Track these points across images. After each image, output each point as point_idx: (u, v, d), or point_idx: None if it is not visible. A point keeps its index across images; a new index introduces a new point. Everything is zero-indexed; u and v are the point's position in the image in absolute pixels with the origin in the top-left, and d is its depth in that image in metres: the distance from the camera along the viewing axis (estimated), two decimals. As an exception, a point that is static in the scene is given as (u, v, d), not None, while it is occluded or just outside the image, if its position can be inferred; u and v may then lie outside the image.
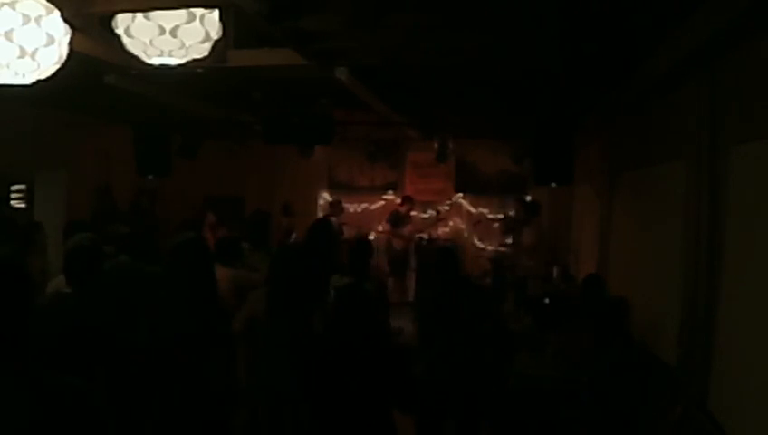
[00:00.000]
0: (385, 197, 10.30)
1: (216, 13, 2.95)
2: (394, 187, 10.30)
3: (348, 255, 4.51)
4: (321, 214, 9.98)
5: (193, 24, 2.83)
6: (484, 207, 9.89)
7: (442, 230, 9.79)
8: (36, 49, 2.36)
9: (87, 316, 2.94)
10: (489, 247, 9.51)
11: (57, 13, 2.44)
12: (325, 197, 10.54)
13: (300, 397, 3.16)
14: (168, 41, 2.85)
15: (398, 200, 9.82)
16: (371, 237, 9.60)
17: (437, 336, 4.08)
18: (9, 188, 7.30)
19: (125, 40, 2.94)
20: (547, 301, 6.02)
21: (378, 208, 10.19)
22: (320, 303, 3.59)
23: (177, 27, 2.81)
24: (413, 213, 9.45)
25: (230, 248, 4.68)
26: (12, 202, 7.32)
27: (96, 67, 4.02)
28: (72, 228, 5.24)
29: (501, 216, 9.55)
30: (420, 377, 3.96)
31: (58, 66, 2.53)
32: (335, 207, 9.38)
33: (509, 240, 8.54)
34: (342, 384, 2.84)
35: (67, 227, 5.43)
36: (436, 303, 4.19)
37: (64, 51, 2.52)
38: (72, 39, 2.58)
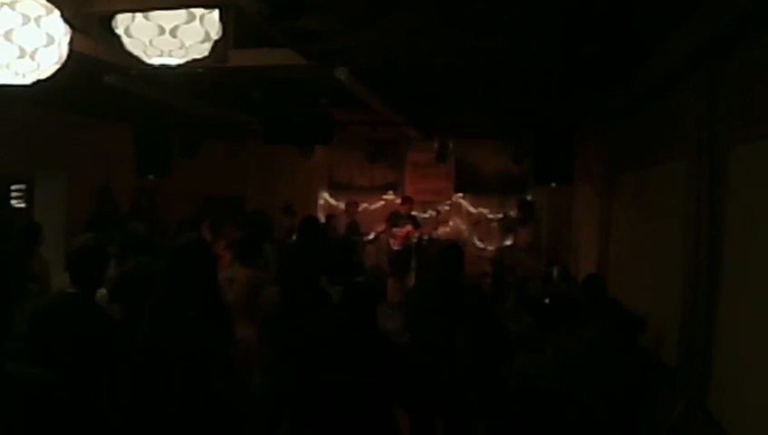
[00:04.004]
0: (385, 197, 10.30)
1: (216, 13, 2.95)
2: (394, 187, 10.30)
3: (333, 256, 4.48)
4: (321, 214, 10.01)
5: (193, 24, 2.83)
6: (484, 207, 9.89)
7: (442, 230, 9.79)
8: (36, 49, 2.36)
9: (91, 317, 2.93)
10: (489, 247, 9.51)
11: (57, 13, 2.44)
12: (325, 196, 10.55)
13: (307, 397, 3.15)
14: (168, 41, 2.85)
15: (399, 200, 9.84)
16: (371, 237, 9.63)
17: (428, 334, 4.08)
18: (9, 187, 7.30)
19: (125, 40, 2.94)
20: (547, 301, 6.02)
21: (378, 208, 10.20)
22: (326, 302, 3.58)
23: (176, 27, 2.81)
24: (413, 213, 9.46)
25: (250, 248, 4.65)
26: (12, 202, 7.32)
27: (96, 67, 4.01)
28: (95, 222, 5.25)
29: (500, 216, 9.57)
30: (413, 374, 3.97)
31: (58, 66, 2.53)
32: (350, 207, 9.51)
33: (508, 241, 8.54)
34: (348, 382, 2.85)
35: (89, 223, 5.44)
36: (427, 298, 4.19)
37: (64, 51, 2.51)
38: (72, 39, 2.58)
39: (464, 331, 3.98)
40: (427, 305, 4.23)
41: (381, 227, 9.49)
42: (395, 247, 9.13)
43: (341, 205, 10.24)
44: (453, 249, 4.39)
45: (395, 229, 9.08)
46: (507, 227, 8.72)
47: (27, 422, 1.45)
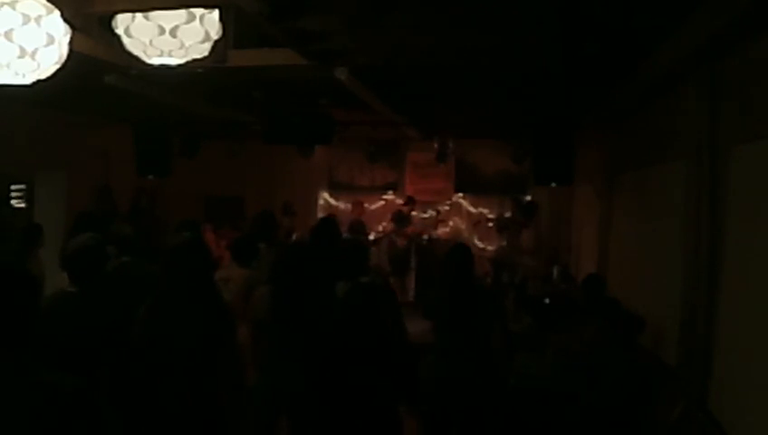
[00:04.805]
0: (385, 197, 10.31)
1: (216, 13, 2.95)
2: (394, 187, 10.31)
3: (344, 257, 4.46)
4: (321, 214, 10.01)
5: (193, 23, 2.83)
6: (484, 207, 9.89)
7: (442, 230, 9.79)
8: (36, 49, 2.36)
9: (91, 316, 2.93)
10: (489, 247, 9.51)
11: (57, 13, 2.44)
12: (325, 197, 10.55)
13: (310, 397, 3.15)
14: (168, 41, 2.85)
15: (399, 200, 9.85)
16: (371, 237, 9.64)
17: (453, 338, 4.04)
18: (9, 187, 7.29)
19: (125, 40, 2.94)
20: (547, 301, 6.03)
21: (378, 208, 10.20)
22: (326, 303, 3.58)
23: (176, 27, 2.81)
24: (413, 213, 9.48)
25: (246, 248, 4.62)
26: (12, 202, 7.32)
27: (96, 67, 4.01)
28: (81, 222, 5.23)
29: (493, 215, 9.57)
30: (431, 377, 3.93)
31: (58, 66, 2.53)
32: (357, 206, 9.55)
33: (504, 240, 8.55)
34: (353, 382, 2.85)
35: (77, 220, 5.41)
36: (450, 304, 4.12)
37: (64, 51, 2.51)
38: (72, 39, 2.58)
39: (497, 332, 3.97)
40: (444, 309, 4.16)
41: (388, 227, 9.51)
42: (401, 246, 9.15)
43: (341, 205, 10.25)
44: (461, 251, 4.34)
45: (401, 228, 9.11)
46: (501, 226, 8.73)
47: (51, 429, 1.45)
